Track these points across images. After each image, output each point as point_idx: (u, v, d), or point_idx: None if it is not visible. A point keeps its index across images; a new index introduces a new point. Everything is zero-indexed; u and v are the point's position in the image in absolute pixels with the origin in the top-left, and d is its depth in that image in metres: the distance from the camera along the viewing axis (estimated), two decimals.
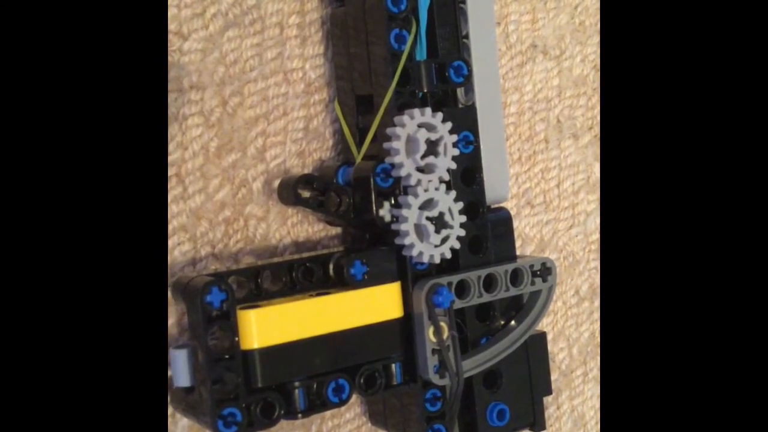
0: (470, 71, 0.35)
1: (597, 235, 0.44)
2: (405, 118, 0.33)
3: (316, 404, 0.33)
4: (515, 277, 0.36)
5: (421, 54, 0.35)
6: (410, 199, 0.33)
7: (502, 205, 0.38)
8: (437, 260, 0.34)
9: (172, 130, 0.34)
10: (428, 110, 0.33)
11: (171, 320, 0.34)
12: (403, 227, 0.33)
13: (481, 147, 0.36)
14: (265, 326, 0.31)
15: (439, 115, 0.33)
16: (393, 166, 0.33)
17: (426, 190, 0.33)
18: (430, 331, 0.34)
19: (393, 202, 0.34)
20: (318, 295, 0.33)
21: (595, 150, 0.44)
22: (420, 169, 0.33)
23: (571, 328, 0.44)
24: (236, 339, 0.31)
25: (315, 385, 0.32)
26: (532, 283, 0.36)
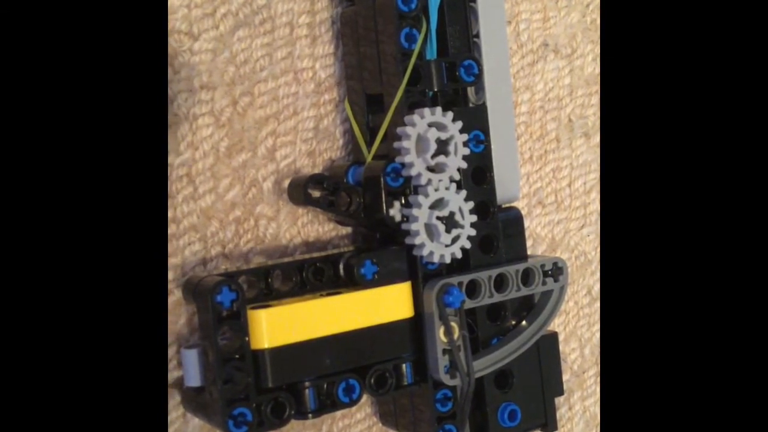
0: (481, 70, 0.35)
1: None
2: (415, 117, 0.33)
3: (327, 404, 0.33)
4: (526, 277, 0.36)
5: (432, 53, 0.35)
6: (421, 198, 0.33)
7: (513, 204, 0.38)
8: (448, 260, 0.34)
9: (183, 130, 0.34)
10: (439, 109, 0.33)
11: (181, 320, 0.34)
12: (413, 227, 0.33)
13: (492, 146, 0.36)
14: (276, 326, 0.31)
15: (450, 115, 0.33)
16: (403, 165, 0.33)
17: (436, 190, 0.33)
18: (441, 331, 0.34)
19: (403, 201, 0.34)
20: (328, 294, 0.33)
21: None
22: (430, 169, 0.33)
23: (583, 329, 0.43)
24: (246, 339, 0.31)
25: (325, 385, 0.32)
26: (544, 283, 0.36)
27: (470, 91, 0.36)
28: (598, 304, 0.44)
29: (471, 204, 0.34)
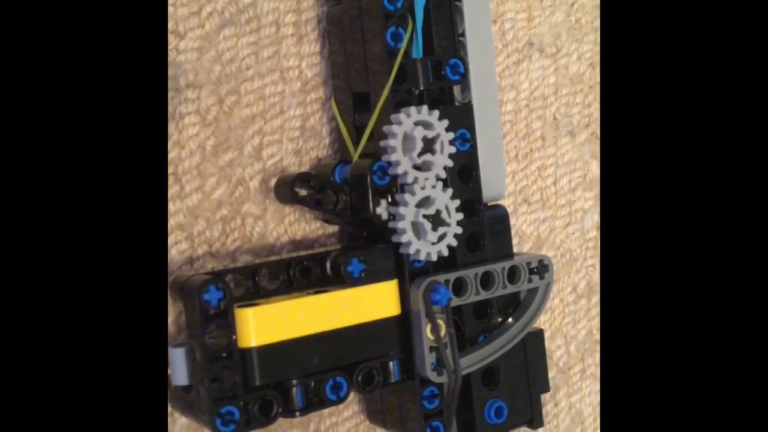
0: (467, 69, 0.35)
1: (594, 233, 0.44)
2: (401, 116, 0.33)
3: (314, 402, 0.33)
4: (512, 275, 0.36)
5: (418, 52, 0.35)
6: (407, 196, 0.33)
7: (499, 202, 0.38)
8: (434, 258, 0.34)
9: (169, 128, 0.34)
10: (425, 108, 0.33)
11: (169, 319, 0.34)
12: (400, 225, 0.33)
13: (478, 145, 0.36)
14: (263, 324, 0.31)
15: (436, 113, 0.33)
16: (390, 164, 0.33)
17: (423, 188, 0.33)
18: (428, 328, 0.34)
19: (390, 199, 0.34)
20: (315, 293, 0.33)
21: (592, 147, 0.44)
22: (417, 167, 0.33)
23: (569, 326, 0.44)
24: (234, 337, 0.31)
25: (313, 383, 0.33)
26: (530, 281, 0.36)
27: (456, 89, 0.36)
28: (583, 302, 0.44)
29: (457, 202, 0.34)
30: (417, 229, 0.33)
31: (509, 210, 0.38)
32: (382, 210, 0.34)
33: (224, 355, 0.31)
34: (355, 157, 0.35)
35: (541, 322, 0.42)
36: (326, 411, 0.37)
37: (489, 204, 0.37)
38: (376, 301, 0.34)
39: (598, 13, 0.44)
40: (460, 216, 0.34)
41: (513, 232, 0.38)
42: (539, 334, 0.38)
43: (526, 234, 0.42)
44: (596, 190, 0.44)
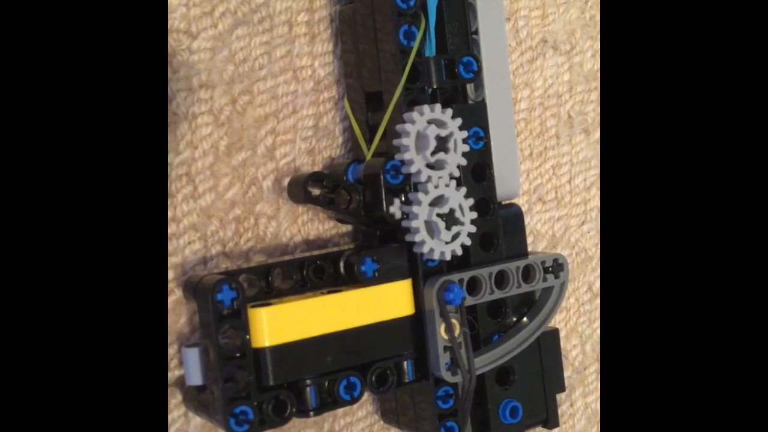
0: (480, 67, 0.35)
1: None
2: (415, 114, 0.33)
3: (328, 402, 0.33)
4: (527, 274, 0.36)
5: (431, 50, 0.34)
6: (420, 195, 0.33)
7: (513, 201, 0.38)
8: (448, 257, 0.33)
9: (182, 129, 0.34)
10: (438, 106, 0.33)
11: (182, 319, 0.34)
12: (413, 224, 0.33)
13: (492, 143, 0.36)
14: (276, 324, 0.31)
15: (449, 112, 0.33)
16: (403, 162, 0.33)
17: (436, 187, 0.33)
18: (442, 328, 0.34)
19: (403, 198, 0.34)
20: (329, 292, 0.33)
21: None
22: (430, 166, 0.33)
23: (584, 325, 0.43)
24: (247, 337, 0.31)
25: (327, 383, 0.32)
26: (544, 280, 0.36)
27: (469, 87, 0.36)
28: (598, 301, 0.44)
29: (471, 201, 0.34)
30: (430, 228, 0.33)
31: (523, 209, 0.38)
32: (395, 209, 0.34)
33: (238, 355, 0.31)
34: (368, 156, 0.35)
35: (556, 321, 0.42)
36: (340, 411, 0.37)
37: (503, 203, 0.37)
38: (389, 300, 0.34)
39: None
40: (474, 215, 0.34)
41: (527, 231, 0.38)
42: (554, 333, 0.38)
43: (541, 233, 0.42)
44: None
